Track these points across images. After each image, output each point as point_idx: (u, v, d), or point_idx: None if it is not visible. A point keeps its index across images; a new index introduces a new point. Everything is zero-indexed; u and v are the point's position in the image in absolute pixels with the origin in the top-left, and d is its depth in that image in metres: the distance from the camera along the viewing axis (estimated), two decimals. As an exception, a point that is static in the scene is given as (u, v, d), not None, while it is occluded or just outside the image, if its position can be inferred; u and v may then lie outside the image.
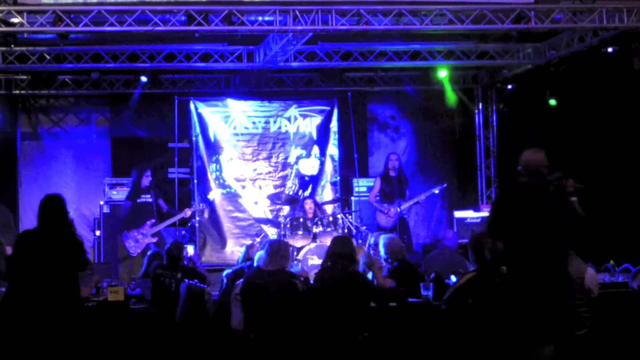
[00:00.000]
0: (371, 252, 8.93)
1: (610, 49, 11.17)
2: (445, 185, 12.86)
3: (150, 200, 11.84)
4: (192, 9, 9.82)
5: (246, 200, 13.38)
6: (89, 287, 8.05)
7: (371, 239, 9.42)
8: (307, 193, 13.33)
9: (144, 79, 13.05)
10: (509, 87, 13.89)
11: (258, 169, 13.51)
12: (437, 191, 12.56)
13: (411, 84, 14.37)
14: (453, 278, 7.97)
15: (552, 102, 12.80)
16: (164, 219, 11.79)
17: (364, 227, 11.80)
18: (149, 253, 10.73)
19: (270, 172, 13.53)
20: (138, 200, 11.83)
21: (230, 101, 13.55)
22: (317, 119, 13.69)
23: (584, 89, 12.31)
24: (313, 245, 10.64)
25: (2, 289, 7.16)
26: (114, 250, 12.10)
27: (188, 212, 11.92)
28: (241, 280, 7.44)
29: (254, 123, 13.58)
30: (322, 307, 6.72)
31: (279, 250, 7.04)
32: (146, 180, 11.86)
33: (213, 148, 13.36)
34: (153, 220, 11.67)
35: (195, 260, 10.65)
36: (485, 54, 13.07)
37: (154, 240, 11.61)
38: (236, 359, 7.07)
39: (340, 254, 7.02)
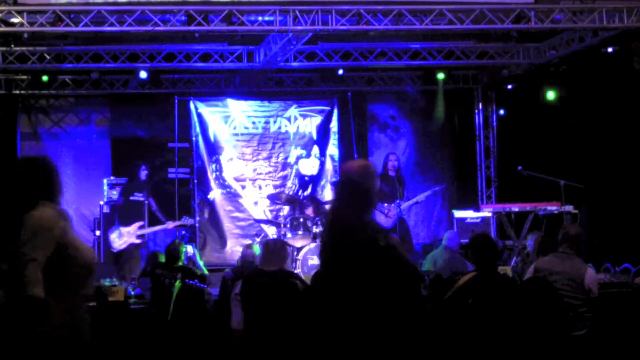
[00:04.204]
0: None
1: (610, 49, 11.17)
2: (444, 185, 12.85)
3: (142, 199, 11.83)
4: (192, 9, 9.82)
5: (246, 200, 13.39)
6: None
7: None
8: (307, 193, 13.34)
9: (143, 74, 12.84)
10: (509, 87, 13.90)
11: (258, 169, 13.51)
12: (436, 191, 12.56)
13: (411, 84, 14.37)
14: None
15: (552, 95, 12.77)
16: (153, 222, 11.79)
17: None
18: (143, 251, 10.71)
19: (270, 172, 13.53)
20: (131, 198, 11.82)
21: (230, 101, 13.55)
22: (317, 119, 13.69)
23: (584, 89, 12.31)
24: (313, 245, 10.63)
25: None
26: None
27: (170, 225, 11.88)
28: (241, 280, 7.44)
29: (254, 123, 13.59)
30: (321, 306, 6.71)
31: (274, 250, 7.02)
32: (143, 174, 11.88)
33: (213, 148, 13.37)
34: (142, 223, 11.64)
35: (195, 260, 10.65)
36: (485, 54, 13.07)
37: (139, 242, 11.53)
38: (236, 359, 7.06)
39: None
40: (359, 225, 4.21)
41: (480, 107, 14.79)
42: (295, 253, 10.72)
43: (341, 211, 4.28)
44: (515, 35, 11.82)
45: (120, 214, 11.78)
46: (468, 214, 12.45)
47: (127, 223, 11.56)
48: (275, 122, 13.63)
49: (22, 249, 4.00)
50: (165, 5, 9.94)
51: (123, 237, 11.50)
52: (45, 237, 4.06)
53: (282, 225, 11.26)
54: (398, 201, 11.70)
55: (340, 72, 13.23)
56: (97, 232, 12.52)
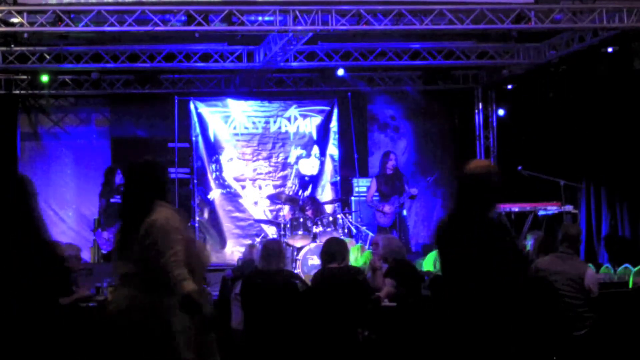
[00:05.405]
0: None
1: (610, 49, 11.18)
2: (437, 174, 12.86)
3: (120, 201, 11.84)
4: (192, 9, 9.82)
5: (246, 200, 13.38)
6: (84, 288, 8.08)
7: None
8: (307, 193, 13.33)
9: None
10: (509, 87, 13.90)
11: (258, 169, 13.51)
12: (429, 182, 12.61)
13: (411, 84, 14.37)
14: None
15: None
16: None
17: (364, 227, 11.80)
18: None
19: (270, 172, 13.53)
20: (111, 200, 11.81)
21: (230, 101, 13.55)
22: (317, 119, 13.69)
23: (584, 89, 12.31)
24: (313, 245, 10.64)
25: None
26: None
27: None
28: (241, 280, 7.45)
29: (254, 123, 13.58)
30: (321, 306, 6.71)
31: (273, 250, 7.03)
32: (118, 178, 11.88)
33: (213, 148, 13.36)
34: None
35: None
36: (485, 54, 13.07)
37: None
38: (236, 359, 7.07)
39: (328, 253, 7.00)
40: (485, 221, 4.39)
41: (480, 107, 14.79)
42: (295, 253, 10.73)
43: (466, 209, 4.48)
44: (515, 35, 11.82)
45: (105, 216, 11.78)
46: (468, 214, 12.40)
47: (112, 224, 11.58)
48: (275, 122, 13.62)
49: (160, 250, 4.34)
50: (165, 5, 9.95)
51: (110, 239, 11.55)
52: (177, 236, 4.41)
53: (282, 225, 11.26)
54: (396, 196, 11.67)
55: (342, 72, 13.23)
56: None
